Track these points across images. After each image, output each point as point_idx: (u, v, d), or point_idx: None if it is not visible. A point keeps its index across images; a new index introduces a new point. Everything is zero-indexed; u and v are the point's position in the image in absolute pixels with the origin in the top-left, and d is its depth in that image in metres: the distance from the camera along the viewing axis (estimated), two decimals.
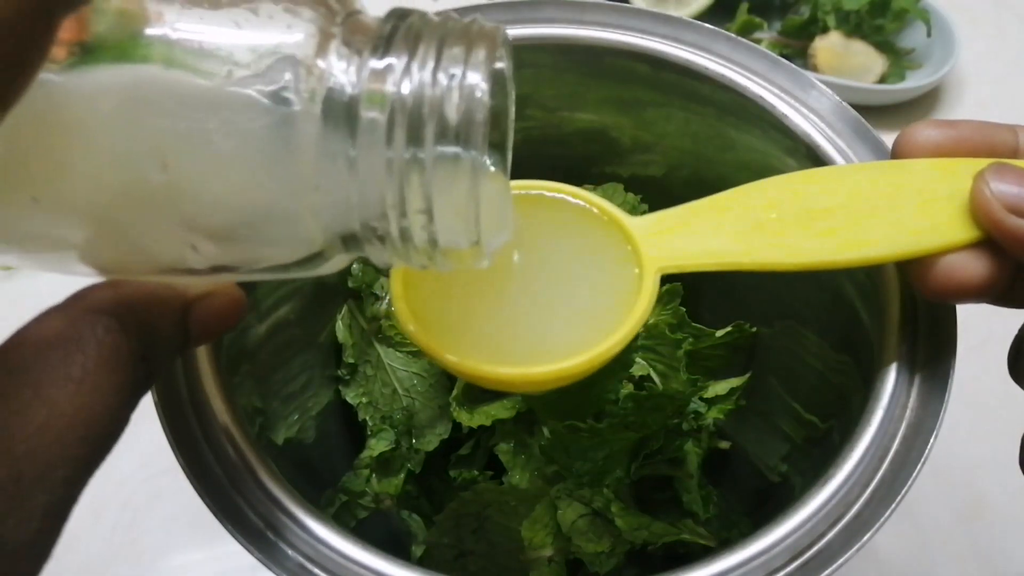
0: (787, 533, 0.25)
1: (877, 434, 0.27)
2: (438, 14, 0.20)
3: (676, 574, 0.25)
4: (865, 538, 0.25)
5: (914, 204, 0.26)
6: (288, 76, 0.17)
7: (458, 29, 0.19)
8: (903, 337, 0.29)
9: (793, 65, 0.34)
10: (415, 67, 0.18)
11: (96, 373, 0.18)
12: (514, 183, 0.27)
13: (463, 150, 0.18)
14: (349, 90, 0.18)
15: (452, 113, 0.18)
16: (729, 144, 0.37)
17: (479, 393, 0.39)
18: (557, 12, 0.36)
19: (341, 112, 0.18)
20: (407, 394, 0.41)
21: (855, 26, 0.70)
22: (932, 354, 0.28)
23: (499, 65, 0.20)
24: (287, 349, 0.38)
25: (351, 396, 0.42)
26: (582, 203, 0.27)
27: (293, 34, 0.18)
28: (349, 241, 0.19)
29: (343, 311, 0.42)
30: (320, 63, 0.18)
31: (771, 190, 0.27)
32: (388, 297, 0.42)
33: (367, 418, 0.41)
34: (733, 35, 0.35)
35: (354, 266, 0.42)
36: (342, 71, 0.18)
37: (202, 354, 0.29)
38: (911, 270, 0.27)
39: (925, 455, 0.26)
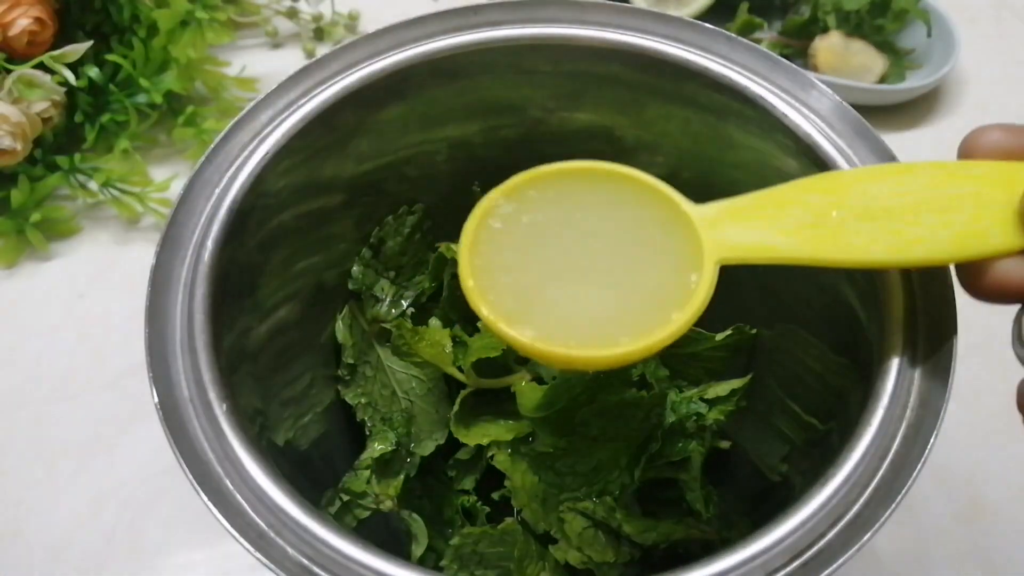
0: (787, 533, 0.25)
1: (877, 434, 0.27)
2: None
3: (676, 574, 0.25)
4: (865, 538, 0.25)
5: (974, 206, 0.26)
6: None
7: None
8: (903, 337, 0.29)
9: (793, 65, 0.34)
10: None
11: None
12: (576, 163, 0.27)
13: None
14: None
15: None
16: (729, 144, 0.37)
17: (478, 412, 0.39)
18: (558, 12, 0.36)
19: None
20: (405, 396, 0.41)
21: (855, 26, 0.70)
22: (932, 354, 0.28)
23: None
24: (288, 350, 0.38)
25: (350, 396, 0.42)
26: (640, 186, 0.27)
27: None
28: None
29: (344, 311, 0.42)
30: None
31: (833, 187, 0.27)
32: (388, 299, 0.42)
33: (366, 419, 0.41)
34: (733, 35, 0.35)
35: (354, 268, 0.42)
36: None
37: (202, 354, 0.29)
38: (964, 273, 0.26)
39: (925, 455, 0.26)
